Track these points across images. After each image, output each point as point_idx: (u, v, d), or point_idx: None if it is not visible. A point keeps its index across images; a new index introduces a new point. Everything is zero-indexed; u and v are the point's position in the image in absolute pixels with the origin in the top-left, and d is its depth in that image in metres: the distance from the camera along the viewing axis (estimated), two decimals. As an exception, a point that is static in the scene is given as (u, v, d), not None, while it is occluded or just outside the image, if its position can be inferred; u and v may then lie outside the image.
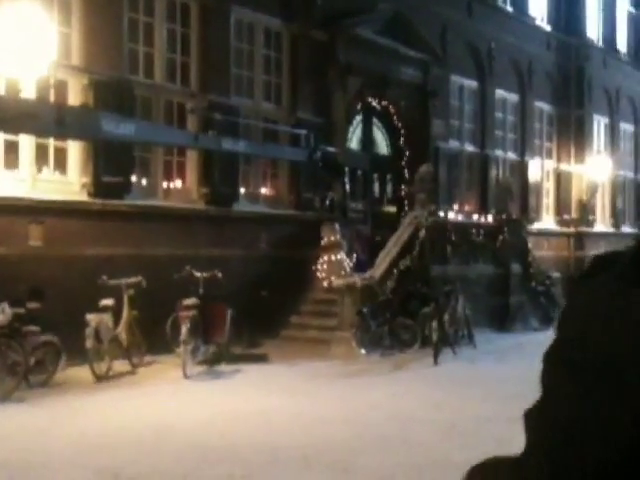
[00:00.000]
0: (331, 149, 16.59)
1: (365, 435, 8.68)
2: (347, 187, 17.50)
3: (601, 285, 1.27)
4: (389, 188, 20.85)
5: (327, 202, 17.03)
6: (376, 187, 20.64)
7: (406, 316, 15.37)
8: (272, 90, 17.14)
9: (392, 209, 20.45)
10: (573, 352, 1.19)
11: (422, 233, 16.70)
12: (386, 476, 7.22)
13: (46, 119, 10.80)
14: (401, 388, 11.66)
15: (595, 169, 26.69)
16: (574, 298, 1.24)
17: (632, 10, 30.58)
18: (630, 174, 30.32)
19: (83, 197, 13.48)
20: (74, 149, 13.49)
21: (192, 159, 15.45)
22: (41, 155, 13.16)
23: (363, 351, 14.57)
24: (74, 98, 13.31)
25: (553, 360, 1.23)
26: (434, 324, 14.47)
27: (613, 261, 1.29)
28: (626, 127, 30.03)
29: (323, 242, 16.61)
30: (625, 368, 1.17)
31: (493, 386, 11.76)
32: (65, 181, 13.46)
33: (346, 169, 17.37)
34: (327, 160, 16.22)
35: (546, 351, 1.22)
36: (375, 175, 20.49)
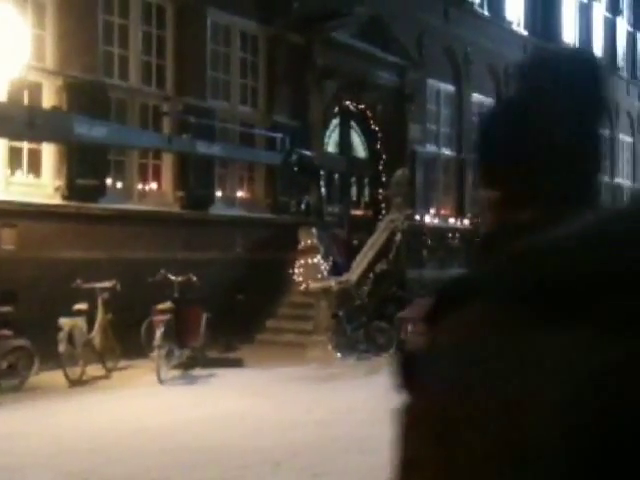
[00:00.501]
0: (307, 152, 16.57)
1: (338, 438, 8.66)
2: (323, 190, 17.48)
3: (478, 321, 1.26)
4: (366, 191, 20.86)
5: (303, 205, 17.01)
6: (353, 190, 20.64)
7: (382, 320, 15.37)
8: (249, 93, 17.10)
9: (369, 212, 20.46)
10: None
11: (398, 237, 16.74)
12: (358, 479, 7.21)
13: (17, 122, 10.72)
14: (376, 391, 11.60)
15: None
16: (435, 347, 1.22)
17: (608, 15, 30.79)
18: (606, 178, 30.51)
19: (57, 200, 13.38)
20: (48, 152, 13.38)
21: (168, 162, 15.39)
22: (14, 157, 13.05)
23: (339, 355, 14.55)
24: (48, 100, 13.21)
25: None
26: (410, 328, 14.47)
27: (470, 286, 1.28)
28: (602, 133, 30.17)
29: (300, 246, 16.59)
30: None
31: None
32: (39, 184, 13.35)
33: (322, 172, 17.35)
34: (303, 163, 16.20)
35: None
36: (352, 178, 20.49)
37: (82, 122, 11.64)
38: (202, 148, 14.28)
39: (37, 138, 12.30)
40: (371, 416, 9.78)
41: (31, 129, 10.84)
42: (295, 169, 16.05)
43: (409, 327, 14.67)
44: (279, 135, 16.44)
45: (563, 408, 1.14)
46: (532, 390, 1.11)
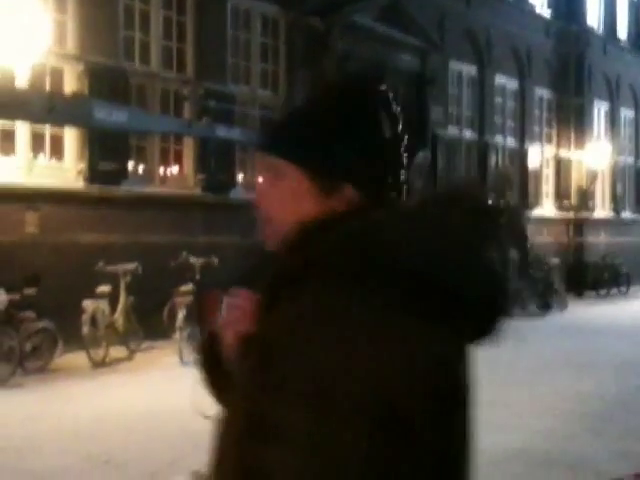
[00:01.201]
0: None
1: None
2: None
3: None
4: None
5: None
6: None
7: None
8: (269, 78, 17.13)
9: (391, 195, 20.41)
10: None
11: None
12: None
13: (37, 106, 10.83)
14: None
15: (595, 155, 26.67)
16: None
17: (633, -4, 30.49)
18: (630, 160, 30.30)
19: (79, 184, 13.50)
20: (70, 136, 13.49)
21: (189, 146, 15.46)
22: (37, 142, 13.17)
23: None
24: (69, 85, 13.31)
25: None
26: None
27: (291, 276, 1.35)
28: (627, 113, 29.98)
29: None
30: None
31: (485, 371, 11.66)
32: (61, 167, 13.47)
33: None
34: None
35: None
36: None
37: (102, 107, 11.74)
38: (221, 132, 14.35)
39: (57, 122, 12.42)
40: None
41: (51, 114, 10.95)
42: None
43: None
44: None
45: (414, 383, 1.29)
46: (397, 364, 1.24)
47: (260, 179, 1.53)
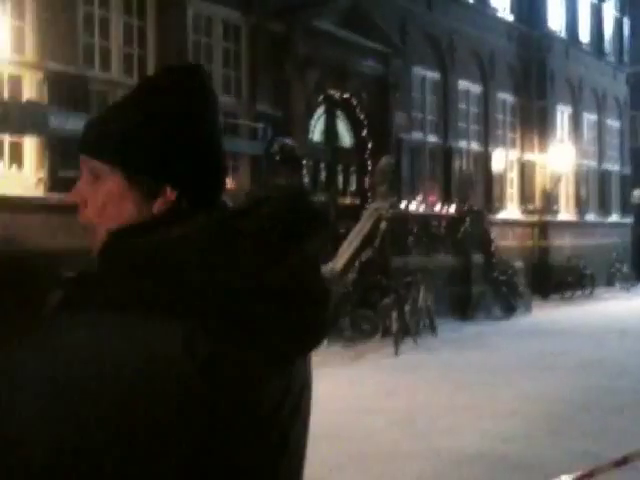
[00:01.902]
0: (289, 142, 16.58)
1: (314, 425, 8.69)
2: (306, 180, 17.45)
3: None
4: (353, 180, 20.86)
5: None
6: (340, 179, 20.64)
7: (367, 307, 15.44)
8: (232, 83, 17.09)
9: (356, 201, 20.47)
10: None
11: (383, 225, 16.76)
12: (334, 467, 7.25)
13: (-9, 114, 10.72)
14: (359, 378, 11.71)
15: (558, 158, 26.90)
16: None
17: (594, 1, 30.79)
18: (594, 163, 30.62)
19: (39, 192, 13.38)
20: (30, 144, 13.36)
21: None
22: (-4, 150, 13.05)
23: (324, 342, 14.58)
24: (29, 93, 13.19)
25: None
26: (394, 315, 14.58)
27: (88, 284, 1.35)
28: (589, 117, 30.29)
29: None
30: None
31: (449, 374, 11.86)
32: (21, 176, 13.35)
33: (304, 162, 17.31)
34: (285, 153, 16.21)
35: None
36: (338, 167, 20.49)
37: (57, 114, 11.64)
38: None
39: (12, 131, 12.30)
40: (351, 405, 9.86)
41: (5, 122, 10.84)
42: (277, 158, 16.07)
43: (393, 315, 14.75)
44: (261, 125, 16.45)
45: (171, 395, 1.24)
46: (146, 377, 1.23)
47: (81, 182, 1.46)
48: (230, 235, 1.28)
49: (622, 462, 5.19)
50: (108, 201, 1.41)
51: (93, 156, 1.44)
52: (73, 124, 11.97)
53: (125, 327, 1.25)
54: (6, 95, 12.86)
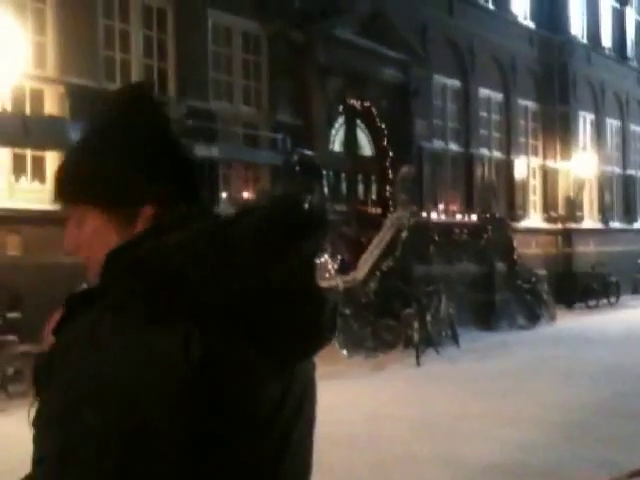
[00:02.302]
0: (308, 152, 16.57)
1: (334, 434, 8.68)
2: (325, 190, 17.41)
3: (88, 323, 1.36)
4: (374, 189, 20.84)
5: (306, 205, 16.93)
6: (361, 188, 20.62)
7: (389, 317, 15.38)
8: (251, 94, 17.13)
9: (377, 210, 20.43)
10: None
11: (404, 234, 16.71)
12: (352, 474, 7.24)
13: (12, 129, 10.81)
14: (380, 388, 11.68)
15: (582, 165, 26.74)
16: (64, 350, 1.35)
17: (616, 5, 30.63)
18: (618, 169, 30.40)
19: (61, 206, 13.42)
20: (52, 157, 13.44)
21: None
22: (19, 164, 13.13)
23: (345, 353, 14.56)
24: (50, 107, 13.28)
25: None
26: (416, 324, 14.52)
27: (90, 297, 1.38)
28: (612, 122, 30.10)
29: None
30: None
31: (470, 384, 11.80)
32: (43, 189, 13.42)
33: (324, 172, 17.27)
34: (304, 163, 16.21)
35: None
36: (359, 176, 20.47)
37: (77, 128, 11.70)
38: (201, 151, 14.32)
39: (33, 145, 12.39)
40: (371, 413, 9.84)
41: (26, 136, 10.91)
42: (296, 169, 16.07)
43: (414, 325, 14.68)
44: (280, 136, 16.47)
45: (170, 396, 1.25)
46: (145, 378, 1.24)
47: (69, 229, 1.52)
48: (227, 237, 1.31)
49: (638, 473, 5.13)
50: (94, 237, 1.47)
51: (70, 204, 1.50)
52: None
53: (124, 330, 1.28)
54: (28, 109, 12.96)
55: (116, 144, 1.46)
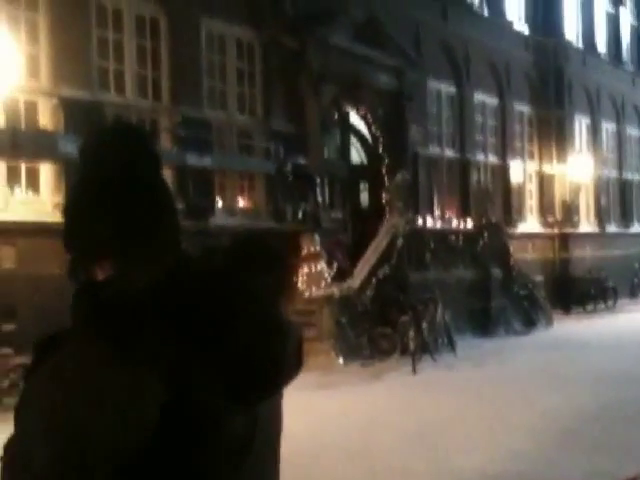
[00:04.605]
0: (301, 160, 16.56)
1: (329, 445, 8.69)
2: (319, 198, 17.39)
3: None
4: (369, 196, 20.82)
5: (300, 213, 16.94)
6: (357, 195, 20.60)
7: (385, 325, 15.37)
8: (246, 101, 17.10)
9: (373, 217, 20.38)
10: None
11: (400, 241, 16.70)
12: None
13: (1, 142, 10.82)
14: (376, 397, 11.67)
15: (578, 169, 26.74)
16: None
17: (610, 10, 30.66)
18: (614, 173, 30.40)
19: (56, 217, 13.40)
20: (46, 169, 13.43)
21: (166, 173, 15.35)
22: (13, 176, 13.11)
23: (341, 361, 14.55)
24: (44, 119, 13.27)
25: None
26: (412, 332, 14.50)
27: (58, 340, 1.42)
28: (608, 126, 30.10)
29: (303, 253, 16.57)
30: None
31: (466, 392, 11.78)
32: (38, 201, 13.41)
33: (317, 180, 17.22)
34: (297, 171, 16.19)
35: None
36: (355, 183, 20.44)
37: (67, 140, 11.75)
38: (192, 160, 14.33)
39: (22, 157, 12.41)
40: (366, 423, 9.82)
41: (15, 149, 10.93)
42: (289, 177, 16.06)
43: (410, 332, 14.67)
44: (272, 144, 16.46)
45: (114, 438, 1.25)
46: (90, 418, 1.22)
47: None
48: (183, 282, 1.34)
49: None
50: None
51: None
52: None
53: (89, 371, 1.32)
54: (22, 122, 12.95)
55: (108, 209, 1.53)
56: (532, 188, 26.39)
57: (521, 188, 25.54)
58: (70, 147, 11.90)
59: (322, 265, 16.50)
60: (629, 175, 31.19)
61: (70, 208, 1.58)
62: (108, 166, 1.54)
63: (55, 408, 1.30)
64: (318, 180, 16.91)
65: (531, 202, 26.29)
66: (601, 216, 28.75)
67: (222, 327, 1.32)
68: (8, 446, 1.38)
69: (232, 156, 16.33)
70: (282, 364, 1.38)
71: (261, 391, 1.38)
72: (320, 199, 16.97)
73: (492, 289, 19.39)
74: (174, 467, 1.30)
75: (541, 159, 26.59)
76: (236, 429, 1.35)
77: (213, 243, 1.44)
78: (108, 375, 1.29)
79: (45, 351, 1.45)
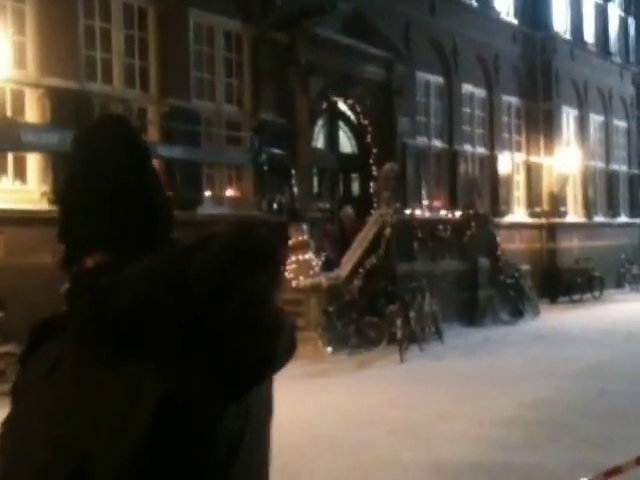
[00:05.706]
0: (277, 151, 16.52)
1: (317, 437, 8.71)
2: (295, 189, 17.30)
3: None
4: (357, 186, 20.88)
5: (275, 205, 16.86)
6: (344, 186, 20.65)
7: (373, 314, 15.43)
8: (234, 93, 17.10)
9: (361, 207, 20.42)
10: None
11: (388, 231, 16.75)
12: (335, 476, 7.27)
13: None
14: (363, 387, 11.71)
15: (565, 160, 26.85)
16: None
17: (599, 1, 30.73)
18: (601, 164, 30.53)
19: (43, 206, 13.42)
20: (33, 158, 13.44)
21: (155, 163, 15.36)
22: (0, 165, 13.12)
23: (329, 350, 14.61)
24: (31, 109, 13.27)
25: None
26: (399, 322, 14.57)
27: (54, 325, 1.44)
28: (595, 118, 30.21)
29: (290, 242, 16.59)
30: None
31: (453, 382, 11.83)
32: (25, 190, 13.42)
33: (293, 171, 17.10)
34: (273, 163, 16.18)
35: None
36: (343, 174, 20.50)
37: (31, 130, 11.85)
38: (163, 151, 14.33)
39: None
40: (354, 415, 9.85)
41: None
42: (265, 168, 16.05)
43: (398, 322, 14.75)
44: (249, 135, 16.46)
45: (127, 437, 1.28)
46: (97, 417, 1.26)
47: None
48: (176, 273, 1.33)
49: (614, 472, 5.18)
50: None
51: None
52: (47, 139, 12.19)
53: (83, 368, 1.33)
54: (9, 111, 12.96)
55: (98, 205, 1.57)
56: (520, 179, 26.48)
57: (509, 179, 25.62)
58: (33, 137, 12.02)
59: (310, 254, 16.54)
60: (616, 166, 31.33)
61: (64, 201, 1.62)
62: (99, 159, 1.58)
63: (55, 407, 1.32)
64: (294, 171, 16.80)
65: (519, 193, 26.38)
66: (588, 207, 28.88)
67: (220, 323, 1.32)
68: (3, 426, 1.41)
69: (204, 147, 16.22)
70: (275, 359, 1.38)
71: (253, 382, 1.38)
72: (296, 190, 16.86)
73: (479, 279, 19.47)
74: (174, 466, 1.31)
75: (529, 150, 26.67)
76: (231, 421, 1.36)
77: (205, 234, 1.43)
78: (107, 374, 1.30)
79: (42, 335, 1.47)
